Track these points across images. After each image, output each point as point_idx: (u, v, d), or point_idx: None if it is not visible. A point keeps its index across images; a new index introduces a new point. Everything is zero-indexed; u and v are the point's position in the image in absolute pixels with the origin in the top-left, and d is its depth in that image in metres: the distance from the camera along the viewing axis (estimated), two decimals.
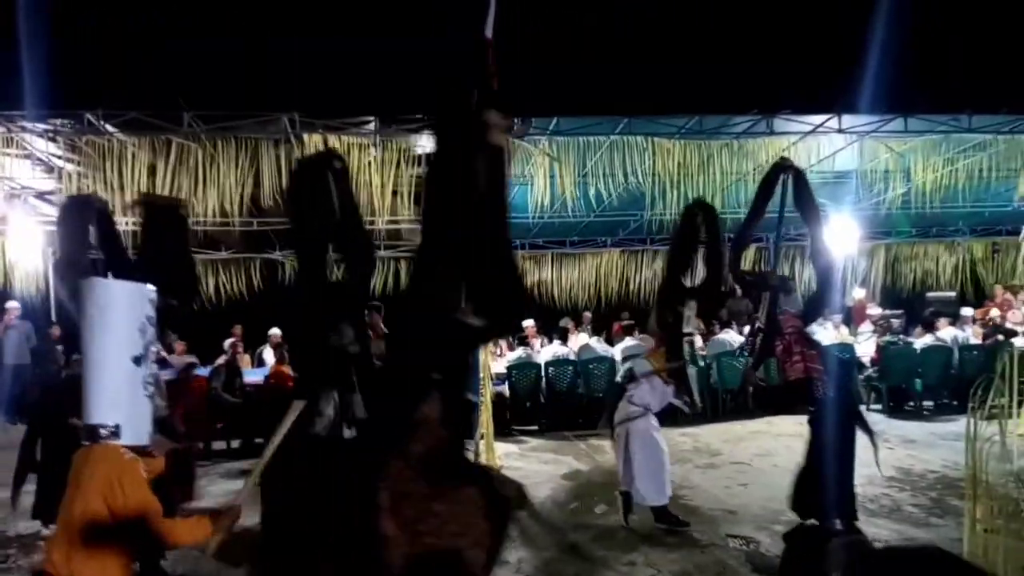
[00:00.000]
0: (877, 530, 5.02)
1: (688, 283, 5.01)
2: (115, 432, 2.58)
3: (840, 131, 9.27)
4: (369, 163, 9.00)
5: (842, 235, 11.06)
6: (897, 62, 8.04)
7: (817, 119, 9.06)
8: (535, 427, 9.52)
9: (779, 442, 8.06)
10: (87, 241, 3.78)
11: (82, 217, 3.74)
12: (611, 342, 11.81)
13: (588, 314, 13.26)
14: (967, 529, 4.73)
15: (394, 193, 9.69)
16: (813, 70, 9.06)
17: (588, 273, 14.75)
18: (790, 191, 4.97)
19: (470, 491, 2.46)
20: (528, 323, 11.00)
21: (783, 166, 5.05)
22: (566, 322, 11.82)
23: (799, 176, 5.03)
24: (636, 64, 9.06)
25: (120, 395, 2.64)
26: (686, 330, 5.26)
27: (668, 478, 5.62)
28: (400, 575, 2.31)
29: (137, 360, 2.71)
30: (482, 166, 2.58)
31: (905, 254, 14.49)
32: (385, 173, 9.22)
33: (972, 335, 10.50)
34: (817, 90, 8.80)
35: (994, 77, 7.84)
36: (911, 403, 9.91)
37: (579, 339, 11.22)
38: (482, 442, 8.02)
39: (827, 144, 9.85)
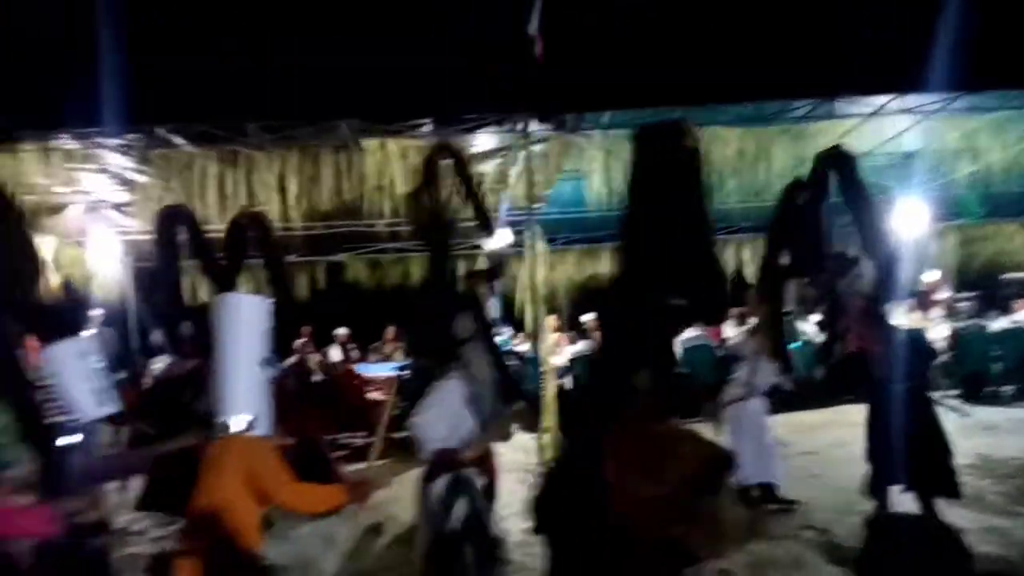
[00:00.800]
0: (959, 519, 4.90)
1: (786, 261, 4.99)
2: (251, 425, 2.91)
3: (905, 111, 8.99)
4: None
5: (910, 218, 10.73)
6: (964, 37, 7.74)
7: (880, 100, 8.81)
8: None
9: (850, 431, 7.88)
10: (178, 249, 4.08)
11: (173, 226, 4.04)
12: None
13: None
14: None
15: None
16: (874, 49, 8.81)
17: None
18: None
19: (680, 450, 2.80)
20: (588, 316, 11.03)
21: (830, 155, 4.90)
22: None
23: (848, 164, 4.84)
24: (689, 52, 8.96)
25: (253, 393, 2.99)
26: (787, 308, 5.23)
27: (777, 458, 5.62)
28: (623, 520, 2.68)
29: (262, 363, 3.08)
30: (682, 167, 3.06)
31: (977, 235, 13.92)
32: (444, 174, 9.35)
33: None
34: (879, 70, 8.55)
35: None
36: (989, 388, 9.58)
37: None
38: (546, 436, 8.09)
39: (891, 125, 9.57)
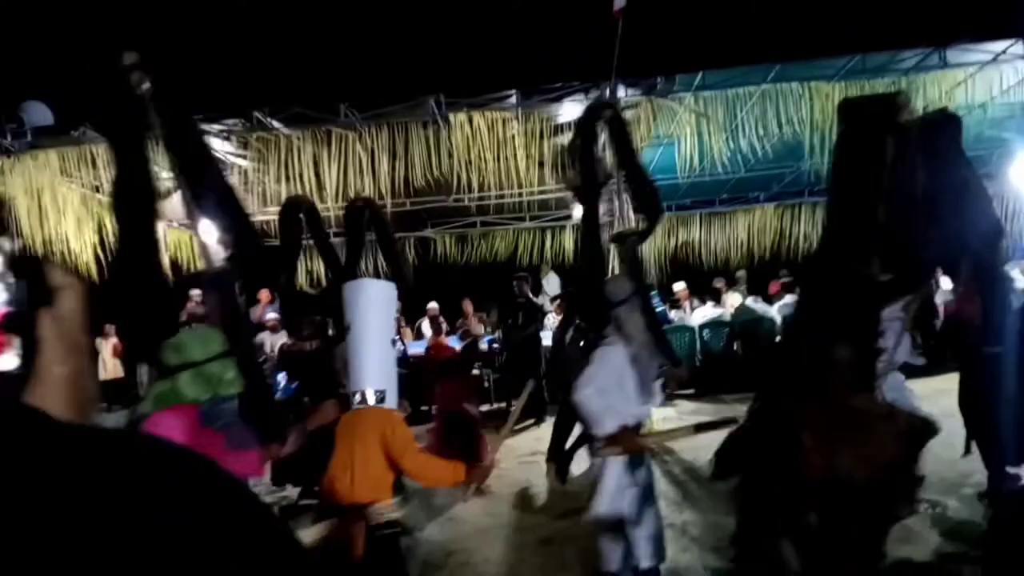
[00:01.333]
0: None
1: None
2: (383, 398, 3.18)
3: None
4: (513, 136, 9.11)
5: None
6: None
7: (998, 46, 8.15)
8: (691, 391, 9.39)
9: None
10: (299, 237, 4.42)
11: (295, 215, 4.38)
12: (769, 301, 11.33)
13: (742, 273, 12.82)
14: None
15: (540, 164, 9.78)
16: None
17: (740, 231, 14.20)
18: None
19: (879, 422, 2.90)
20: (679, 286, 10.81)
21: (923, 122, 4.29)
22: (719, 282, 11.50)
23: (941, 130, 4.24)
24: (784, 2, 8.53)
25: (384, 369, 3.26)
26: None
27: None
28: (818, 488, 2.79)
29: (392, 342, 3.37)
30: (892, 143, 3.12)
31: None
32: (530, 145, 9.30)
33: None
34: (997, 12, 7.91)
35: None
36: None
37: (733, 299, 10.89)
38: None
39: (1011, 73, 8.84)
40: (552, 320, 10.17)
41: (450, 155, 9.43)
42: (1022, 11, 7.69)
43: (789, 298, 10.13)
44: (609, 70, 7.70)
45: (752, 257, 14.28)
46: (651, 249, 14.07)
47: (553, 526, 5.18)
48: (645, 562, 3.58)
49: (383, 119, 9.19)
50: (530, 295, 10.19)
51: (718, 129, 8.84)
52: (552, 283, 12.56)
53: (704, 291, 11.53)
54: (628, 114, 8.98)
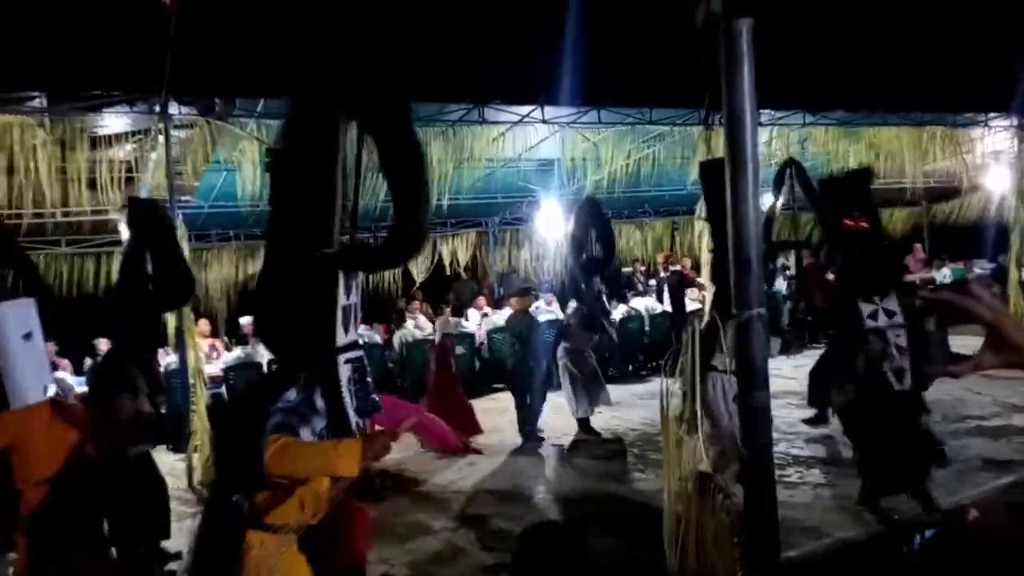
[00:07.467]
0: None
1: None
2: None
3: (544, 121, 9.84)
4: (35, 147, 7.63)
5: (551, 218, 11.88)
6: (591, 60, 8.71)
7: (523, 110, 9.52)
8: None
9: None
10: None
11: None
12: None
13: None
14: None
15: (70, 181, 8.41)
16: (520, 63, 9.49)
17: None
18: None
19: None
20: (245, 320, 10.30)
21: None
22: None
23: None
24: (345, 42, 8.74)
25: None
26: None
27: None
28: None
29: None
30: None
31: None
32: (56, 158, 7.90)
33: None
34: (523, 82, 9.23)
35: (669, 75, 8.84)
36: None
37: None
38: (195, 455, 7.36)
39: (534, 134, 10.41)
40: None
41: None
42: (540, 85, 9.08)
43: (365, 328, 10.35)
44: (160, 82, 6.90)
45: None
46: (217, 279, 13.21)
47: None
48: None
49: None
50: None
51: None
52: None
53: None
54: (183, 135, 8.25)
